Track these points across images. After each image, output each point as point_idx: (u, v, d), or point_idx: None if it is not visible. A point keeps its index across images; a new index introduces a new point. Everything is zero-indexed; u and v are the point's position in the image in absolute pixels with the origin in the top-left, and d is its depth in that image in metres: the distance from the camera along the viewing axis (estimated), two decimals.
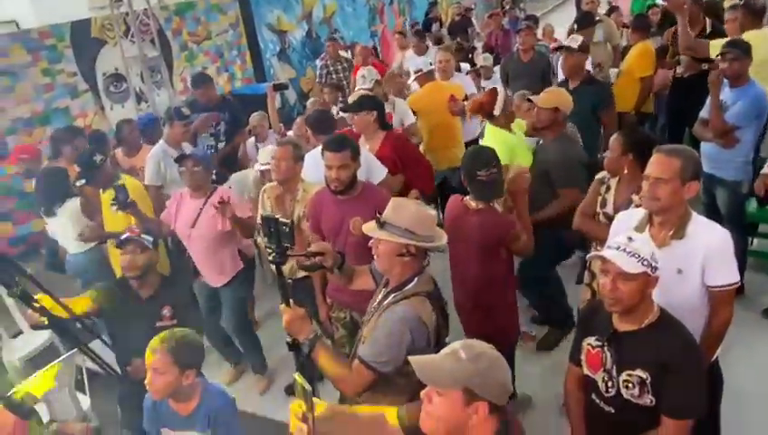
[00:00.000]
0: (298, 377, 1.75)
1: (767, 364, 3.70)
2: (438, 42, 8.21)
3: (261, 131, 5.65)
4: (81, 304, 3.26)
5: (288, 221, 2.98)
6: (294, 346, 2.27)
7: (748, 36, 4.39)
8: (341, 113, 5.03)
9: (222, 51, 9.32)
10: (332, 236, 3.28)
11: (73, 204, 4.42)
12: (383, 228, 2.29)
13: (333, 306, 3.51)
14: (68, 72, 7.17)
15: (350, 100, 4.88)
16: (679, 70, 5.89)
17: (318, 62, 8.39)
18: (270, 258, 2.31)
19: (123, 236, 3.27)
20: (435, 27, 10.58)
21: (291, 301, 2.28)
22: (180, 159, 3.96)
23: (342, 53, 8.35)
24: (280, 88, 6.47)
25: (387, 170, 3.98)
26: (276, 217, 2.27)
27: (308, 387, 1.73)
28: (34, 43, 6.86)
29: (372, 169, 3.92)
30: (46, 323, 2.94)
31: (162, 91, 7.82)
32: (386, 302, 2.33)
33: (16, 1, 8.36)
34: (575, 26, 6.32)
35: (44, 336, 4.64)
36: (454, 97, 5.05)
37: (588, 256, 2.39)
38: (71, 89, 7.19)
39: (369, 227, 2.33)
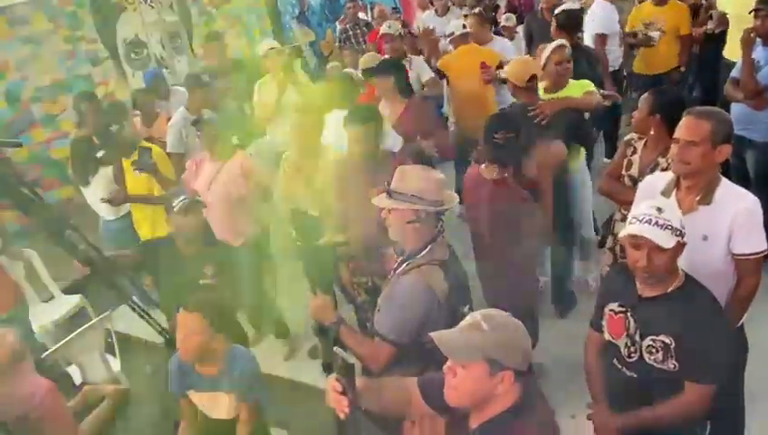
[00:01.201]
0: (338, 351, 1.76)
1: None
2: (462, 3, 8.03)
3: None
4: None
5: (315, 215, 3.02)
6: (321, 331, 2.41)
7: None
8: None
9: (241, 15, 9.23)
10: None
11: (105, 172, 4.48)
12: (391, 198, 2.30)
13: (355, 271, 3.54)
14: (89, 38, 7.17)
15: (363, 62, 4.84)
16: (710, 25, 5.71)
17: (338, 26, 8.28)
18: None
19: (183, 199, 3.31)
20: None
21: (317, 290, 2.46)
22: (197, 123, 3.98)
23: (362, 14, 8.22)
24: None
25: (402, 139, 3.96)
26: (305, 211, 2.33)
27: (351, 360, 1.74)
28: (55, 10, 6.85)
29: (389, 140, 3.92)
30: (89, 271, 3.01)
31: (182, 57, 7.80)
32: (399, 270, 2.34)
33: None
34: None
35: (75, 301, 4.76)
36: (485, 65, 4.89)
37: (620, 234, 2.31)
38: (92, 56, 7.20)
39: (379, 199, 2.34)
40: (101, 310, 4.16)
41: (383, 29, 5.39)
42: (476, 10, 5.82)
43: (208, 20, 8.63)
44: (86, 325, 3.85)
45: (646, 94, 3.15)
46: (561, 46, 3.94)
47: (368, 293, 3.51)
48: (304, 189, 3.73)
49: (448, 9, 7.05)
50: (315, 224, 3.63)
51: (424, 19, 7.33)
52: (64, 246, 2.74)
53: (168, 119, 4.93)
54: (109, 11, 7.36)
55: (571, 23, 4.69)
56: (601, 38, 5.66)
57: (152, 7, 7.38)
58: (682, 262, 2.17)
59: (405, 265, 2.32)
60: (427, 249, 2.30)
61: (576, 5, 5.10)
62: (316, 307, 2.39)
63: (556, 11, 4.84)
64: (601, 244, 3.58)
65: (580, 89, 3.91)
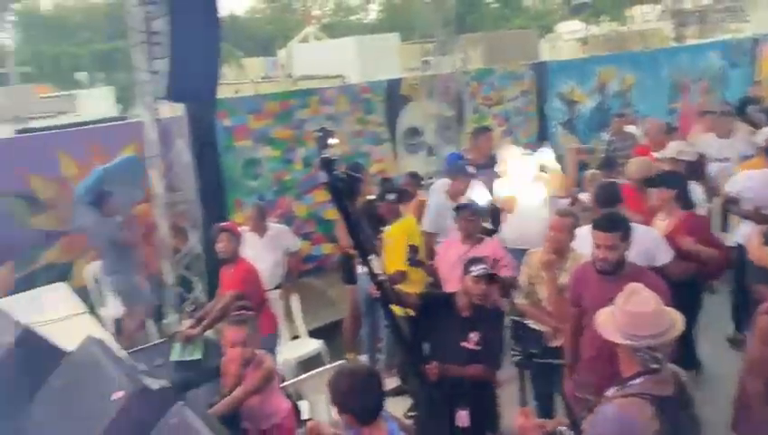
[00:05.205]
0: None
1: None
2: (753, 125, 7.42)
3: None
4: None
5: (540, 329, 3.11)
6: None
7: None
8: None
9: (510, 115, 9.76)
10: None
11: None
12: None
13: None
14: (376, 122, 8.25)
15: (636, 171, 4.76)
16: None
17: (605, 136, 8.30)
18: (514, 360, 2.43)
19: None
20: (751, 108, 9.46)
21: None
22: (460, 208, 4.34)
23: (631, 127, 8.08)
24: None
25: (673, 254, 3.88)
26: (525, 322, 2.39)
27: None
28: (355, 96, 8.07)
29: (658, 251, 3.86)
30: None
31: (451, 147, 8.49)
32: None
33: (348, 61, 9.98)
34: None
35: (316, 345, 5.28)
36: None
37: None
38: (375, 137, 8.25)
39: None
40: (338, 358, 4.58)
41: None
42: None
43: (479, 117, 9.30)
44: (320, 368, 4.25)
45: None
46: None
47: None
48: None
49: (730, 132, 6.55)
50: (537, 338, 3.56)
51: (707, 143, 6.70)
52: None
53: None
54: (397, 100, 8.45)
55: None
56: None
57: (433, 102, 8.26)
58: None
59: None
60: None
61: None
62: None
63: None
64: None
65: None
